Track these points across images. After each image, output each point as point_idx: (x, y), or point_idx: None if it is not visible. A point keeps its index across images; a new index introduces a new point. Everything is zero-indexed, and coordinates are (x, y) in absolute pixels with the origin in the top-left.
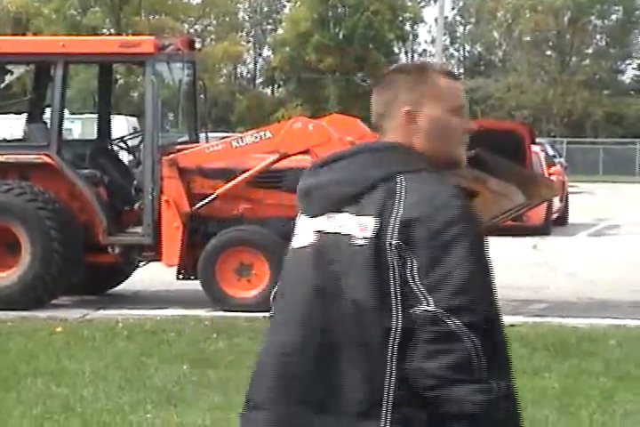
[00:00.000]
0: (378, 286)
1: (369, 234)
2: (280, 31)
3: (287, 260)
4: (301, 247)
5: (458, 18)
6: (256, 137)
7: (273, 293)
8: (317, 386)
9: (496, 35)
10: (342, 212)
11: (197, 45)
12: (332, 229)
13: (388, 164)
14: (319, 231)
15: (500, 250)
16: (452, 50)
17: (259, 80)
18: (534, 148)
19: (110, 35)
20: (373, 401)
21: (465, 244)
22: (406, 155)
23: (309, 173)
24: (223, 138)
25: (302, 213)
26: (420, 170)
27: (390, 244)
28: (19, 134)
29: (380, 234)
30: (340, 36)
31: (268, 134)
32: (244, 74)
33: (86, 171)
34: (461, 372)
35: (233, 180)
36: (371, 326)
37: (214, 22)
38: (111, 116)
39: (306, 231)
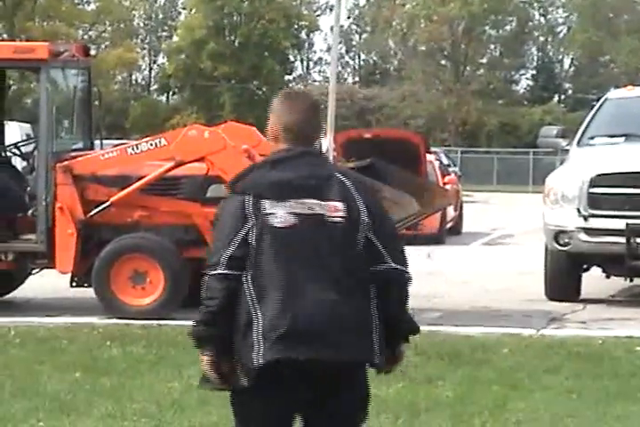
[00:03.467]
0: (354, 243)
1: (341, 213)
2: (175, 38)
3: (273, 235)
4: (288, 225)
5: (354, 26)
6: (151, 144)
7: (228, 257)
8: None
9: (391, 44)
10: (308, 197)
11: (92, 52)
12: (305, 212)
13: (328, 165)
14: (294, 213)
15: None
16: (347, 58)
17: (154, 87)
18: (429, 157)
19: (3, 40)
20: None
21: (390, 218)
22: (328, 158)
23: (265, 168)
24: (118, 145)
25: (267, 198)
26: (342, 169)
27: (365, 221)
28: None
29: (351, 214)
30: (236, 43)
31: (164, 142)
32: (139, 80)
33: None
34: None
35: (128, 187)
36: (358, 265)
37: (109, 29)
38: (4, 122)
39: (282, 213)
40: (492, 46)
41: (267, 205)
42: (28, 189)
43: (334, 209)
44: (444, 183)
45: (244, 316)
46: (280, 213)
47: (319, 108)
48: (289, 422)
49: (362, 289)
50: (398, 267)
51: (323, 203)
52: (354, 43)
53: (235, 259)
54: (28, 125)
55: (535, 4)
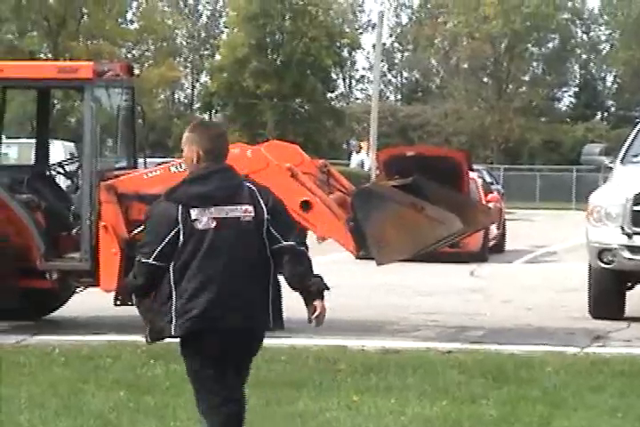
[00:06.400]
0: (261, 236)
1: (252, 214)
2: (218, 57)
3: (198, 235)
4: (210, 228)
5: (396, 44)
6: None
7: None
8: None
9: (433, 61)
10: (225, 204)
11: (136, 71)
12: (223, 216)
13: (238, 177)
14: (215, 218)
15: (437, 276)
16: (389, 76)
17: (196, 105)
18: (471, 174)
19: (47, 59)
20: (265, 293)
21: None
22: (236, 171)
23: (191, 183)
24: (161, 163)
25: (194, 207)
26: (248, 179)
27: (266, 218)
28: None
29: (257, 214)
30: (278, 61)
31: None
32: (182, 99)
33: (24, 196)
34: (312, 268)
35: None
36: (262, 255)
37: (152, 47)
38: (49, 141)
39: (205, 218)
40: (535, 64)
41: (193, 213)
42: (73, 207)
43: (246, 211)
44: (487, 201)
45: (164, 293)
46: (203, 219)
47: (226, 134)
48: (211, 368)
49: (262, 273)
50: (288, 243)
51: (237, 207)
52: (396, 61)
53: (162, 254)
54: (72, 144)
55: (578, 22)
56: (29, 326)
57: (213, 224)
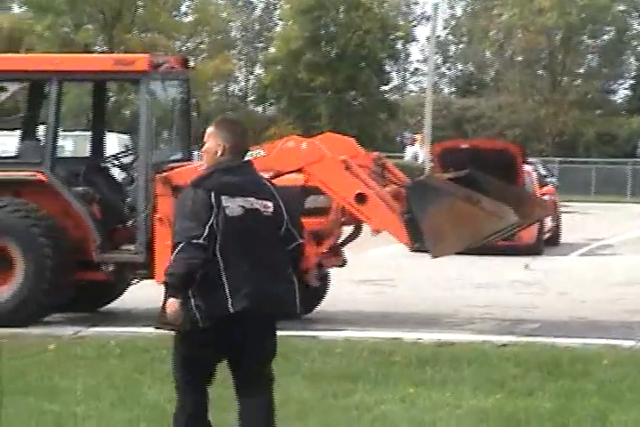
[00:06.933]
0: (277, 231)
1: (271, 209)
2: (272, 49)
3: (228, 221)
4: (238, 215)
5: (450, 37)
6: (250, 155)
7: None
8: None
9: (488, 54)
10: (250, 196)
11: (191, 64)
12: (248, 206)
13: (258, 173)
14: (242, 206)
15: (492, 269)
16: (443, 69)
17: (250, 98)
18: (526, 167)
19: (102, 52)
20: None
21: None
22: (255, 168)
23: (222, 173)
24: None
25: (224, 195)
26: (264, 177)
27: (284, 215)
28: (12, 151)
29: (275, 209)
30: (332, 54)
31: (262, 153)
32: (236, 91)
33: (80, 188)
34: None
35: None
36: (280, 247)
37: (206, 40)
38: (104, 133)
39: (234, 206)
40: (590, 56)
41: (224, 200)
42: (128, 200)
43: (265, 206)
44: (542, 194)
45: (213, 275)
46: (232, 206)
47: (248, 131)
48: (213, 358)
49: (284, 260)
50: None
51: (259, 201)
52: (450, 53)
53: (209, 235)
54: (126, 137)
55: (634, 14)
56: (86, 317)
57: (240, 212)
